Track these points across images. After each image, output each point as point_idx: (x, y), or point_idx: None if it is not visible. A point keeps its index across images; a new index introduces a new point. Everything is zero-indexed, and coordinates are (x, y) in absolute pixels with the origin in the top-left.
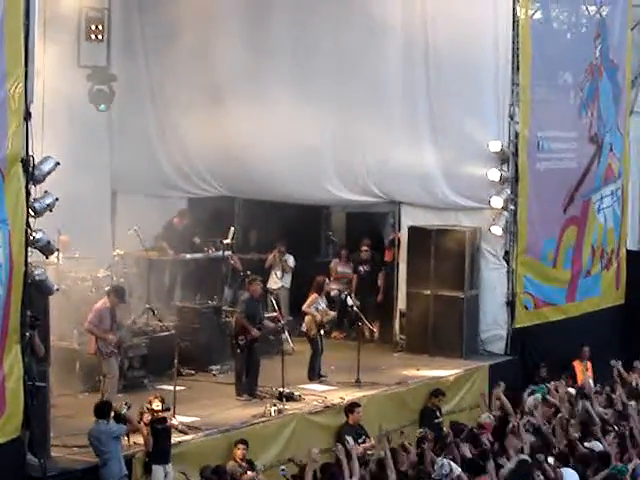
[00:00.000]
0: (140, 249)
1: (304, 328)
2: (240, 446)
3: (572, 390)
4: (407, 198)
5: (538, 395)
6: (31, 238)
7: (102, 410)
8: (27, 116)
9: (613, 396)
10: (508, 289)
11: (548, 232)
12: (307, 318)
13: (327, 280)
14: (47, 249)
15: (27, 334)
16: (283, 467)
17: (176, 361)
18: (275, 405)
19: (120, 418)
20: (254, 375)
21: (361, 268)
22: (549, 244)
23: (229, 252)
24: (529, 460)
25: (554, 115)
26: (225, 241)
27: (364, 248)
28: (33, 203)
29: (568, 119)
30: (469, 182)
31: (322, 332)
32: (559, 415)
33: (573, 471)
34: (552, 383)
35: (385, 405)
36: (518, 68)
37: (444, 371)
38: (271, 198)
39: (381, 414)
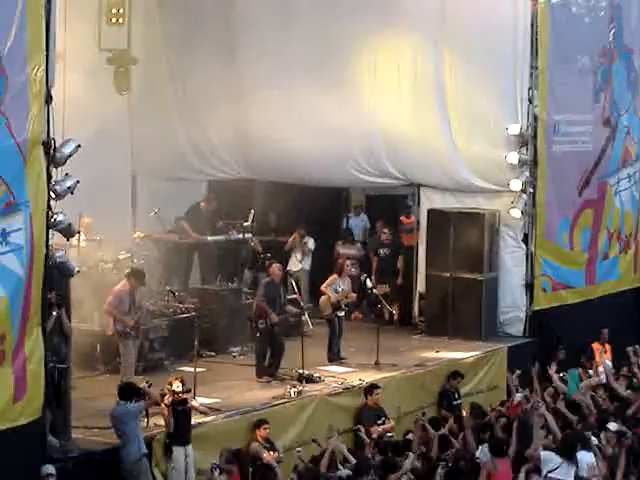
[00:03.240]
0: (161, 231)
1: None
2: (264, 426)
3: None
4: (426, 181)
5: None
6: (52, 220)
7: (127, 392)
8: (48, 99)
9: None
10: (527, 271)
11: (564, 215)
12: (322, 298)
13: (348, 262)
14: (68, 231)
15: (54, 313)
16: (299, 449)
17: (196, 343)
18: (295, 387)
19: (138, 393)
20: (277, 359)
21: (381, 251)
22: (563, 226)
23: (249, 234)
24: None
25: (571, 98)
26: (245, 223)
27: (384, 231)
28: (54, 186)
29: (585, 102)
30: (488, 165)
31: (340, 314)
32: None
33: (589, 453)
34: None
35: (404, 387)
36: (537, 52)
37: (463, 353)
38: (291, 180)
39: (400, 396)
